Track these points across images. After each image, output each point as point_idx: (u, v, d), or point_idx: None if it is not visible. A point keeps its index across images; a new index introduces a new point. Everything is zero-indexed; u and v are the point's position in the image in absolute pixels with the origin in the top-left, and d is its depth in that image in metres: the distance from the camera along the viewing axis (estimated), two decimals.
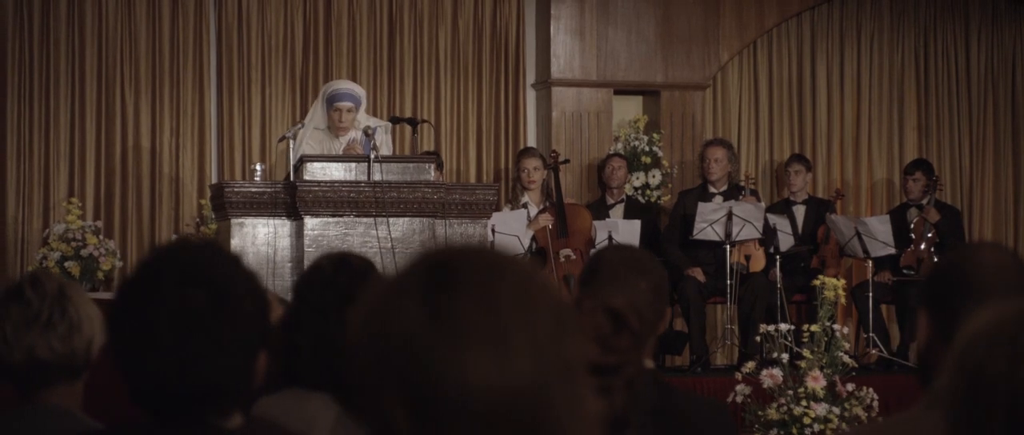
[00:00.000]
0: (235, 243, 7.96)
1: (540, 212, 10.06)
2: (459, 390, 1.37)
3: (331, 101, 8.52)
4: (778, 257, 10.23)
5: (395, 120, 9.21)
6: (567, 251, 9.95)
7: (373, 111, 10.36)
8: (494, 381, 1.37)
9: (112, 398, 4.28)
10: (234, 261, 2.21)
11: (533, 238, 9.90)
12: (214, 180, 10.61)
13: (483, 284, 1.41)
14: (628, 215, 10.62)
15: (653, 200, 11.21)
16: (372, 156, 8.08)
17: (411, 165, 8.29)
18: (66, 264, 9.55)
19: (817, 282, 8.25)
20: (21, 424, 3.03)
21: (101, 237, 9.87)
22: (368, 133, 8.29)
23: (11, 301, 3.05)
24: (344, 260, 3.46)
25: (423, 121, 9.34)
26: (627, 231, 10.07)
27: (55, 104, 10.50)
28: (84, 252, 9.63)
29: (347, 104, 8.49)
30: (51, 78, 10.49)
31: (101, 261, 9.63)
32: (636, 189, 11.14)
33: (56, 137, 10.49)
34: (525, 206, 10.12)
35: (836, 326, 8.13)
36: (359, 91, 8.79)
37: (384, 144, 8.42)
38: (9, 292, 3.07)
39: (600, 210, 10.68)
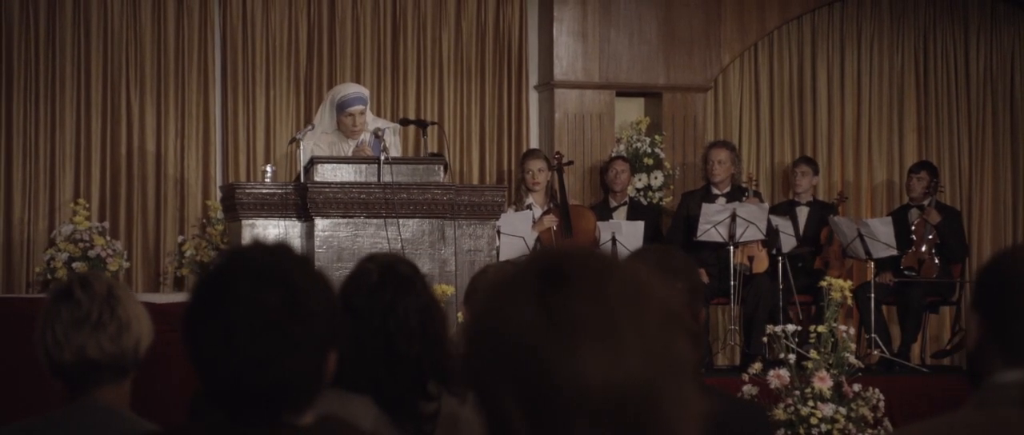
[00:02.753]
0: None
1: (544, 213, 10.10)
2: (573, 386, 1.41)
3: (343, 107, 8.56)
4: (780, 259, 10.27)
5: (404, 122, 9.24)
6: None
7: (377, 112, 10.40)
8: (606, 377, 1.41)
9: (154, 396, 4.32)
10: (305, 262, 2.25)
11: (537, 239, 9.93)
12: (219, 181, 10.64)
13: (594, 283, 1.45)
14: (631, 217, 10.66)
15: (655, 201, 11.25)
16: (382, 158, 8.12)
17: (420, 167, 8.34)
18: (74, 265, 9.57)
19: (824, 283, 8.30)
20: (71, 422, 3.08)
21: (108, 238, 9.89)
22: (378, 135, 8.34)
23: (61, 302, 3.09)
24: (391, 267, 3.48)
25: (432, 123, 9.38)
26: (630, 232, 10.11)
27: (61, 106, 10.52)
28: (91, 253, 9.65)
29: (360, 107, 8.55)
30: (57, 80, 10.51)
31: (108, 262, 9.65)
32: (638, 191, 11.18)
33: (61, 139, 10.51)
34: (529, 208, 10.15)
35: (843, 327, 8.18)
36: (365, 91, 8.87)
37: (393, 146, 8.46)
38: (59, 293, 3.12)
39: (603, 212, 10.72)
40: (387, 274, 3.46)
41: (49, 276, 9.73)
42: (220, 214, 9.98)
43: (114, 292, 3.11)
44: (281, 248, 2.24)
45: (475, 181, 11.16)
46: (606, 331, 1.43)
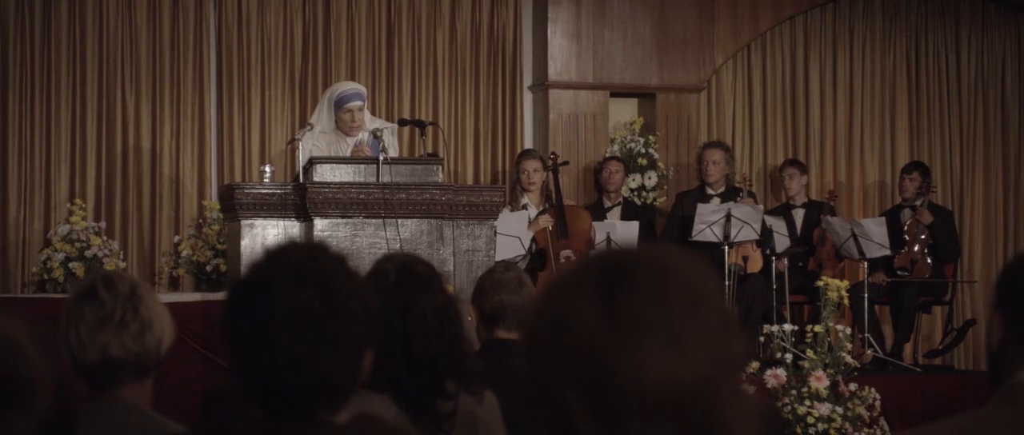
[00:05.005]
0: (245, 244, 8.01)
1: (540, 213, 10.13)
2: (634, 383, 1.44)
3: (341, 103, 8.57)
4: (774, 259, 10.32)
5: (403, 122, 9.27)
6: (567, 252, 10.02)
7: (371, 113, 10.41)
8: (667, 374, 1.45)
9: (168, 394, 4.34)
10: (341, 261, 2.27)
11: (533, 239, 9.97)
12: (214, 181, 10.66)
13: (654, 282, 1.48)
14: (625, 217, 10.70)
15: (649, 201, 11.29)
16: (381, 158, 8.14)
17: (419, 167, 8.36)
18: (70, 265, 9.58)
19: (820, 283, 8.34)
20: (94, 420, 3.10)
21: (104, 238, 9.89)
22: (377, 135, 8.36)
23: (85, 301, 3.12)
24: (408, 268, 3.51)
25: (430, 124, 9.41)
26: (625, 232, 10.15)
27: (56, 106, 10.52)
28: (88, 253, 9.65)
29: (358, 103, 8.58)
30: (52, 80, 10.51)
31: (105, 262, 9.66)
32: (632, 191, 11.22)
33: (57, 139, 10.51)
34: (525, 208, 10.18)
35: (839, 326, 8.23)
36: (363, 88, 8.91)
37: (392, 146, 8.48)
38: (83, 292, 3.14)
39: (597, 212, 10.76)
40: (405, 274, 3.49)
41: (45, 276, 9.73)
42: (216, 214, 9.99)
43: (137, 292, 3.14)
44: (318, 248, 2.27)
45: (470, 181, 11.19)
46: (667, 329, 1.46)
